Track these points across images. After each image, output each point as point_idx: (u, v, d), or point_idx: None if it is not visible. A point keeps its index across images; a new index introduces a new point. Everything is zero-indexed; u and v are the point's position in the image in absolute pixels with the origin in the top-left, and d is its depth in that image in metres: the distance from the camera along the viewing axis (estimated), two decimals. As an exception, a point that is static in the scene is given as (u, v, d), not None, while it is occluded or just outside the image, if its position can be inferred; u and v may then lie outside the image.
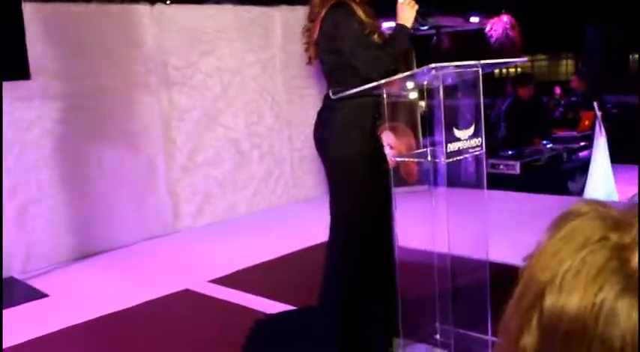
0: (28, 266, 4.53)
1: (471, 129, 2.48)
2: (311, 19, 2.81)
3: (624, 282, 0.61)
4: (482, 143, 2.56)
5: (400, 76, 2.44)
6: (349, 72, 2.68)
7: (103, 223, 4.97)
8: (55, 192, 4.71)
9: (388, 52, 2.60)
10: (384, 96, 2.68)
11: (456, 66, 2.39)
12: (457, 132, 2.42)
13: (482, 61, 2.42)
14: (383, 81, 2.43)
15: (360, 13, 2.68)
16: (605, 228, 0.66)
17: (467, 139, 2.46)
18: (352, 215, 2.82)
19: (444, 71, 2.35)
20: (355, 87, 2.58)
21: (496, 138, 7.85)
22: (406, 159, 2.66)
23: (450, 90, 2.53)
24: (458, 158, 2.46)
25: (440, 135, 2.44)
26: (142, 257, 4.83)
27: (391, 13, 2.76)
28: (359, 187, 2.77)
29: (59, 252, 4.74)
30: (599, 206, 0.74)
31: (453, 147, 2.41)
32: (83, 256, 4.83)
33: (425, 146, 2.72)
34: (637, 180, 7.47)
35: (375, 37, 2.67)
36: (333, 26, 2.68)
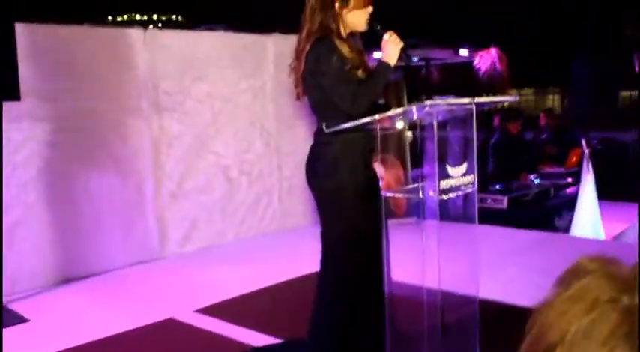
0: (15, 288, 4.46)
1: (464, 167, 2.49)
2: (297, 55, 2.82)
3: (636, 348, 0.61)
4: (474, 180, 2.57)
5: (394, 112, 2.45)
6: (335, 107, 2.68)
7: (89, 247, 4.92)
8: (42, 215, 4.66)
9: (367, 89, 2.61)
10: (377, 129, 2.69)
11: (450, 103, 2.39)
12: (450, 170, 2.43)
13: (476, 99, 2.43)
14: (377, 117, 2.43)
15: (344, 47, 2.69)
16: (615, 288, 0.66)
17: (459, 177, 2.47)
18: (344, 248, 2.81)
19: (438, 108, 2.35)
20: (342, 121, 2.58)
21: (484, 172, 7.89)
22: (398, 195, 2.66)
23: (442, 125, 2.53)
24: (450, 195, 2.46)
25: (432, 172, 2.44)
26: (127, 283, 4.78)
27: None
28: (351, 220, 2.77)
29: (44, 275, 4.68)
30: (607, 263, 0.73)
31: (445, 184, 2.41)
32: (68, 280, 4.77)
33: (414, 178, 2.72)
34: (624, 217, 7.53)
35: (359, 71, 2.68)
36: (316, 62, 2.69)
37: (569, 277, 0.73)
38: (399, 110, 2.46)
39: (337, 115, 2.67)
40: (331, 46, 2.67)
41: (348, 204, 2.73)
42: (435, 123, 2.35)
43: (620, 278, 0.67)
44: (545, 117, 9.46)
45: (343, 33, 2.77)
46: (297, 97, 2.90)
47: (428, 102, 2.31)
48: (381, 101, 3.01)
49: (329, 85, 2.66)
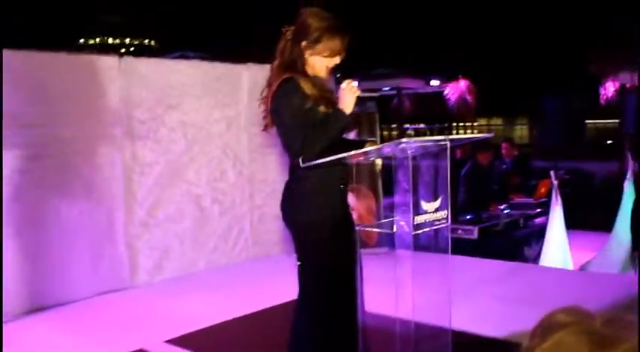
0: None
1: (438, 202, 2.52)
2: (267, 85, 2.85)
3: None
4: (447, 215, 2.61)
5: (369, 148, 2.49)
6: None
7: (59, 276, 4.85)
8: (10, 242, 4.58)
9: (319, 134, 2.63)
10: (352, 163, 2.72)
11: (424, 141, 2.44)
12: (424, 205, 2.46)
13: (450, 137, 2.48)
14: (353, 152, 2.47)
15: (308, 86, 2.71)
16: (592, 344, 0.68)
17: (433, 212, 2.50)
18: (320, 281, 2.82)
19: (412, 145, 2.39)
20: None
21: (455, 201, 7.97)
22: (371, 229, 2.68)
23: (415, 159, 2.58)
24: (424, 230, 2.49)
25: (406, 206, 2.48)
26: (96, 312, 4.72)
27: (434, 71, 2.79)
28: (327, 254, 2.78)
29: (12, 305, 4.58)
30: (582, 316, 0.76)
31: (419, 219, 2.44)
32: (35, 309, 4.69)
33: (387, 208, 2.76)
34: (591, 246, 7.65)
35: (322, 107, 2.70)
36: (279, 102, 2.73)
37: (546, 329, 0.76)
38: (374, 147, 2.50)
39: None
40: (294, 87, 2.70)
41: (324, 238, 2.75)
42: (410, 160, 2.39)
43: (596, 334, 0.70)
44: (506, 147, 9.57)
45: (308, 70, 2.81)
46: (265, 128, 2.91)
47: (403, 139, 2.35)
48: (352, 135, 3.05)
49: (286, 126, 2.70)
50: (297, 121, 2.66)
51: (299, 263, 2.81)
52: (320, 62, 2.75)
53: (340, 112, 2.63)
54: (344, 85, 2.65)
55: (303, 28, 2.75)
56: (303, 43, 2.75)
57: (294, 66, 2.76)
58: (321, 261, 2.78)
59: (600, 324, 0.72)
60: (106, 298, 5.04)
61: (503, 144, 9.68)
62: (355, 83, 2.65)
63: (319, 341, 2.83)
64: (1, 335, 3.56)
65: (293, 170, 2.84)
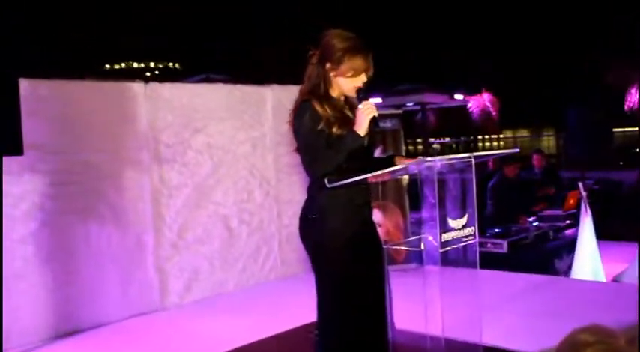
0: (9, 343, 4.42)
1: (464, 219, 2.52)
2: (292, 110, 2.90)
3: None
4: (475, 232, 2.60)
5: (394, 168, 2.49)
6: None
7: (88, 300, 4.90)
8: (41, 268, 4.66)
9: (329, 155, 2.67)
10: (373, 181, 2.73)
11: (449, 158, 2.44)
12: (450, 222, 2.46)
13: (475, 154, 2.48)
14: (379, 172, 2.48)
15: (322, 108, 2.74)
16: None
17: (460, 229, 2.50)
18: (337, 300, 2.82)
19: (438, 163, 2.40)
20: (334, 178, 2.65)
21: (482, 214, 7.92)
22: (399, 247, 2.68)
23: (442, 173, 2.58)
24: (452, 247, 2.48)
25: (433, 224, 2.48)
26: (127, 335, 4.75)
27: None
28: (341, 272, 2.78)
29: (41, 329, 4.65)
30: (606, 335, 0.76)
31: (447, 236, 2.44)
32: (66, 334, 4.74)
33: (414, 224, 2.75)
34: (623, 257, 7.54)
35: (335, 129, 2.72)
36: (296, 122, 2.80)
37: (570, 349, 0.76)
38: (400, 166, 2.51)
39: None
40: (306, 109, 2.74)
41: (337, 257, 2.75)
42: (436, 177, 2.39)
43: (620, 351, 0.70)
44: (537, 158, 9.53)
45: (332, 92, 2.83)
46: (296, 150, 2.95)
47: (428, 158, 2.35)
48: (378, 152, 3.05)
49: (300, 147, 2.76)
50: (309, 142, 2.72)
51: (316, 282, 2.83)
52: (346, 83, 2.77)
53: (354, 134, 2.65)
54: (361, 106, 2.67)
55: (326, 49, 2.79)
56: (328, 65, 2.78)
57: (317, 88, 2.79)
58: (334, 280, 2.77)
59: (624, 342, 0.72)
60: (136, 321, 5.08)
61: (535, 156, 9.65)
62: (372, 104, 2.66)
63: None
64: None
65: (308, 189, 2.87)
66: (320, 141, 2.67)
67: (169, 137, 5.39)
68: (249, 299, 5.61)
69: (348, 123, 2.71)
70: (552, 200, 8.76)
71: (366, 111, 2.63)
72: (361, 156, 2.78)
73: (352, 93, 2.76)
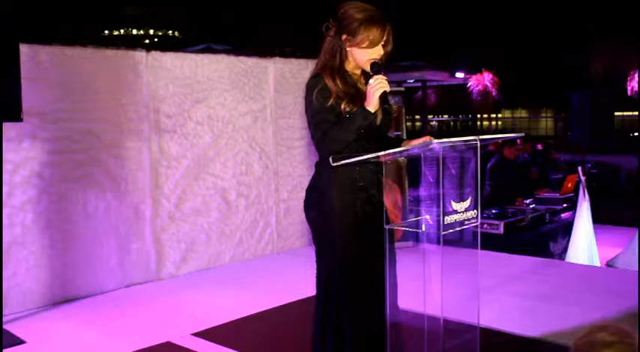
0: (7, 310, 4.44)
1: (468, 202, 2.51)
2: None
3: None
4: (478, 215, 2.59)
5: (399, 149, 2.47)
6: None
7: (85, 268, 4.91)
8: (39, 236, 4.66)
9: (339, 131, 2.62)
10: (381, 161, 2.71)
11: (454, 141, 2.42)
12: (454, 205, 2.45)
13: (481, 137, 2.46)
14: (382, 153, 2.46)
15: (333, 82, 2.69)
16: None
17: (463, 212, 2.49)
18: (336, 277, 2.82)
19: (442, 145, 2.38)
20: (342, 154, 2.62)
21: (480, 195, 7.93)
22: (398, 227, 2.67)
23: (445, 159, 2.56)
24: (454, 229, 2.48)
25: (434, 206, 2.46)
26: (123, 305, 4.77)
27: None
28: (341, 250, 2.77)
29: (40, 296, 4.67)
30: (625, 335, 0.75)
31: (449, 219, 2.43)
32: (62, 301, 4.76)
33: (413, 204, 2.73)
34: (618, 242, 7.59)
35: (344, 105, 2.68)
36: (305, 97, 2.76)
37: (589, 348, 0.76)
38: (402, 149, 2.48)
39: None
40: (316, 84, 2.71)
41: (337, 235, 2.74)
42: (441, 160, 2.37)
43: None
44: (520, 142, 9.49)
45: (347, 65, 2.79)
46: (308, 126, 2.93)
47: (434, 141, 2.33)
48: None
49: (310, 122, 2.72)
50: (318, 118, 2.67)
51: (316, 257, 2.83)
52: (361, 54, 2.72)
53: (364, 111, 2.61)
54: (372, 80, 2.62)
55: (343, 20, 2.75)
56: (344, 36, 2.74)
57: (332, 61, 2.75)
58: (334, 257, 2.77)
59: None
60: (132, 290, 5.10)
61: (518, 141, 9.63)
62: (383, 78, 2.61)
63: (347, 336, 2.82)
64: (1, 332, 3.61)
65: (316, 166, 2.85)
66: (329, 118, 2.63)
67: (170, 107, 5.36)
68: (245, 272, 5.62)
69: (359, 99, 2.67)
70: (543, 182, 8.79)
71: (376, 86, 2.58)
72: (374, 136, 2.76)
73: (367, 67, 2.71)
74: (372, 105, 2.59)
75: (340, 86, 2.69)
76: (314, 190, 2.84)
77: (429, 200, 2.55)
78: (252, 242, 6.04)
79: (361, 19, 2.69)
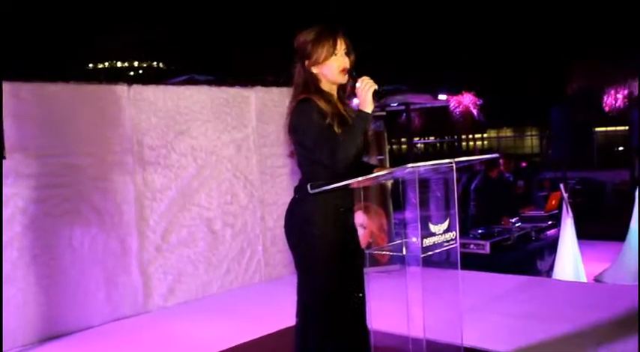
0: (-4, 347, 4.42)
1: (446, 224, 2.55)
2: (287, 113, 2.89)
3: None
4: (456, 236, 2.63)
5: (378, 174, 2.51)
6: (319, 165, 2.74)
7: (72, 303, 4.89)
8: (25, 272, 4.65)
9: (345, 142, 2.64)
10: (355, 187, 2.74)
11: (431, 165, 2.47)
12: (432, 227, 2.49)
13: (456, 159, 2.51)
14: (360, 178, 2.49)
15: (324, 103, 2.75)
16: None
17: (442, 234, 2.53)
18: (319, 304, 2.83)
19: (420, 168, 2.43)
20: (326, 179, 2.64)
21: (465, 215, 8.00)
22: (381, 253, 2.71)
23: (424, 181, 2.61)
24: (434, 252, 2.51)
25: (415, 229, 2.50)
26: (110, 338, 4.75)
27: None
28: (323, 276, 2.78)
29: (27, 333, 4.64)
30: None
31: (428, 241, 2.47)
32: (50, 337, 4.74)
33: (398, 225, 2.76)
34: (603, 256, 7.63)
35: (335, 126, 2.73)
36: (297, 121, 2.77)
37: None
38: (383, 173, 2.53)
39: (322, 173, 2.72)
40: (312, 105, 2.73)
41: (321, 261, 2.76)
42: (417, 182, 2.42)
43: None
44: (503, 162, 9.56)
45: (323, 86, 2.84)
46: (291, 154, 2.95)
47: (410, 165, 2.38)
48: (365, 158, 3.05)
49: (311, 143, 2.72)
50: (322, 136, 2.66)
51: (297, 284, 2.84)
52: (328, 70, 2.77)
53: (362, 114, 2.66)
54: (358, 83, 2.67)
55: (299, 49, 2.82)
56: (306, 63, 2.80)
57: (308, 87, 2.80)
58: (316, 284, 2.78)
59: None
60: (121, 324, 5.08)
61: (501, 161, 9.70)
62: (368, 78, 2.66)
63: None
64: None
65: (295, 191, 2.87)
66: (332, 133, 2.66)
67: (153, 139, 5.39)
68: (233, 301, 5.62)
69: (345, 121, 2.73)
70: (527, 199, 8.87)
71: (365, 87, 2.64)
72: (353, 161, 2.80)
73: (342, 79, 2.75)
74: (367, 105, 2.65)
75: (330, 108, 2.75)
76: (295, 215, 2.86)
77: (412, 223, 2.59)
78: (240, 271, 6.05)
79: (312, 39, 2.77)
